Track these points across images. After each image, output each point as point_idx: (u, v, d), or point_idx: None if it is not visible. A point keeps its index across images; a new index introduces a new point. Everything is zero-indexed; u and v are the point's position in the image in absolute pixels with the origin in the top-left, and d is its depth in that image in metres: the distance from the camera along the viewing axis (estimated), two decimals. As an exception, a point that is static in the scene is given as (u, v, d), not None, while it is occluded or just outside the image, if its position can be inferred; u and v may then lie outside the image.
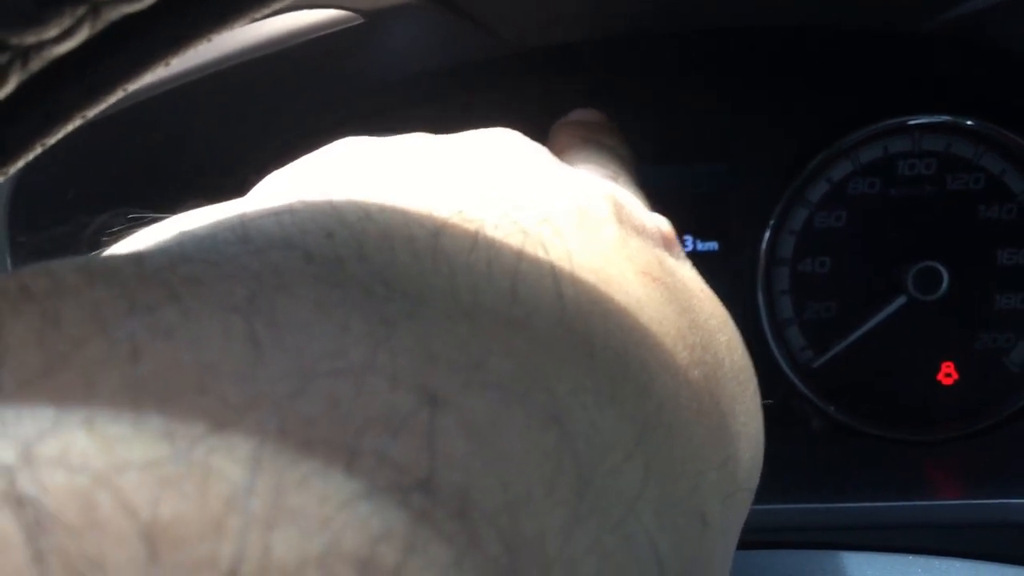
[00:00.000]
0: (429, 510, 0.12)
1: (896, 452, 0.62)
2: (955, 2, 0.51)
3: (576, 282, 0.17)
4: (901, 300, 0.62)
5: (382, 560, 0.11)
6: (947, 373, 0.63)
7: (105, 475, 0.10)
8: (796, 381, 0.63)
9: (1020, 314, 0.62)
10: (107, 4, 0.15)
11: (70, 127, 0.18)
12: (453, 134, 0.23)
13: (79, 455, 0.10)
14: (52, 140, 0.18)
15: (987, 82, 0.60)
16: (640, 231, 0.22)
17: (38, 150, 0.18)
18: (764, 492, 0.24)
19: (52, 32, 0.15)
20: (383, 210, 0.16)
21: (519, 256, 0.17)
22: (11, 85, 0.16)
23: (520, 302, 0.16)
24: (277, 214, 0.15)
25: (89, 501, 0.10)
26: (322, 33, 0.49)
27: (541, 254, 0.17)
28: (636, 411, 0.17)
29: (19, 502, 0.10)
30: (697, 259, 0.29)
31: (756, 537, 0.48)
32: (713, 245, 0.64)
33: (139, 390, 0.11)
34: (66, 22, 0.15)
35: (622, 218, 0.21)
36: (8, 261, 0.51)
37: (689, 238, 0.64)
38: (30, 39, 0.15)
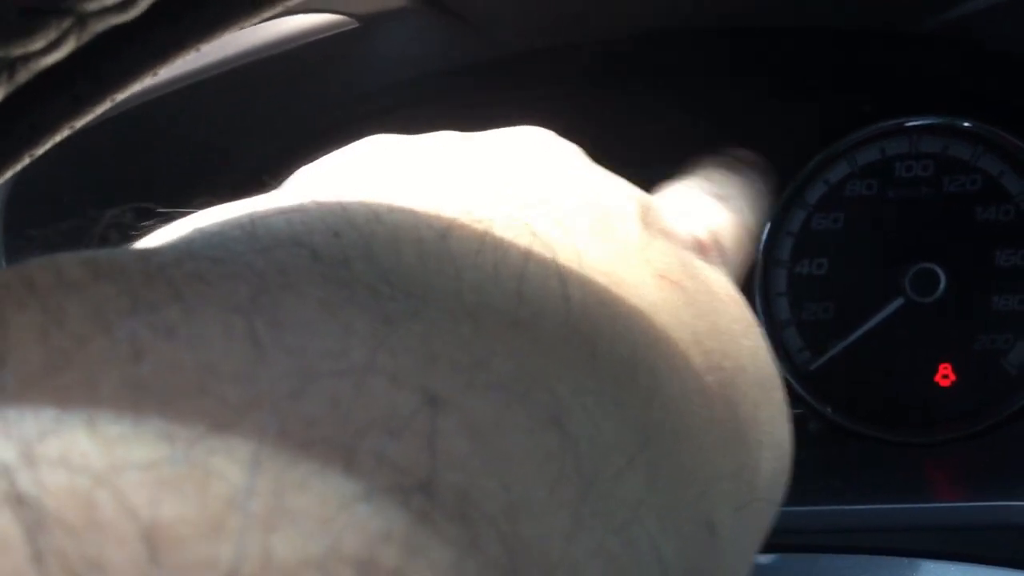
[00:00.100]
0: (430, 511, 0.12)
1: (894, 454, 0.61)
2: (954, 3, 0.51)
3: (584, 283, 0.17)
4: (899, 302, 0.61)
5: (382, 561, 0.11)
6: (945, 375, 0.63)
7: (106, 476, 0.10)
8: (793, 383, 0.63)
9: (1018, 315, 0.62)
10: (93, 16, 0.15)
11: (58, 138, 0.18)
12: (481, 132, 0.23)
13: (80, 455, 0.10)
14: (40, 150, 0.18)
15: (984, 84, 0.59)
16: (667, 234, 0.22)
17: (26, 160, 0.18)
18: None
19: (38, 44, 0.15)
20: (392, 210, 0.16)
21: (526, 256, 0.17)
22: (-3, 97, 0.16)
23: (525, 303, 0.16)
24: (287, 212, 0.15)
25: (89, 501, 0.10)
26: (317, 37, 0.49)
27: (549, 255, 0.17)
28: (641, 414, 0.16)
29: (19, 502, 0.10)
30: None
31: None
32: (711, 247, 0.64)
33: (140, 390, 0.11)
34: (52, 34, 0.15)
35: (648, 220, 0.21)
36: (3, 261, 0.51)
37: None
38: (16, 51, 0.15)
